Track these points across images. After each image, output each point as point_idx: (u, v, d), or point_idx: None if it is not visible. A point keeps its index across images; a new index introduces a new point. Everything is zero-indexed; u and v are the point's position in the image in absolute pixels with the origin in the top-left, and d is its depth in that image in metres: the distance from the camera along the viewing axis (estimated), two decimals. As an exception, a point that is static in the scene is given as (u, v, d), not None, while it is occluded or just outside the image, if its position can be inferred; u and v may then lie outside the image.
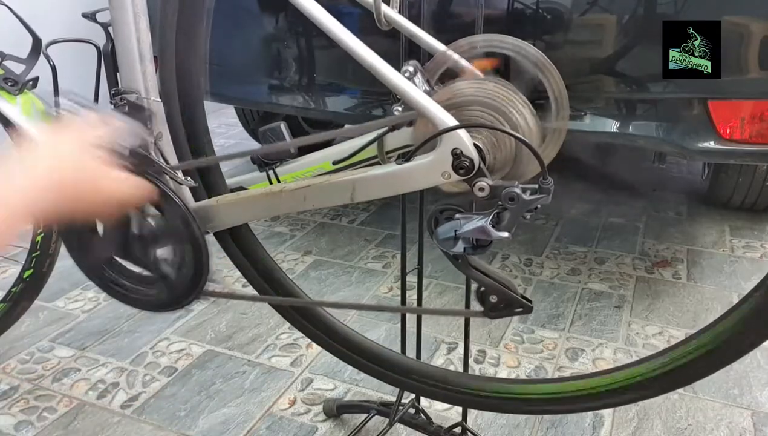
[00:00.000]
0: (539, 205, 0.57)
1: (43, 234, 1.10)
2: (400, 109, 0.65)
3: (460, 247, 0.61)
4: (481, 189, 0.58)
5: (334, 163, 0.75)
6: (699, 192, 2.07)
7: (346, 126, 1.69)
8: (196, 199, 0.72)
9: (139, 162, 0.63)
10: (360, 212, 1.95)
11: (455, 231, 0.61)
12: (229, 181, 0.77)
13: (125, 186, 0.55)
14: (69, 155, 0.52)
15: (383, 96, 1.42)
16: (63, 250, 0.80)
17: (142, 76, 0.68)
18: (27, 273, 1.13)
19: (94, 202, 0.52)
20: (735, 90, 1.21)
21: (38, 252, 1.11)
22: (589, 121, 1.29)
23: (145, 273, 0.75)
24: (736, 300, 1.44)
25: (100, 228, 0.74)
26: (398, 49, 0.78)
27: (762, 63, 1.16)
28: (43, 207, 0.49)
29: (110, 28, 0.68)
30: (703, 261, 1.64)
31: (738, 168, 1.78)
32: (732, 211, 1.92)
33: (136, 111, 0.66)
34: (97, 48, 0.69)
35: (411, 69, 0.65)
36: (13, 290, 1.14)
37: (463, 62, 0.68)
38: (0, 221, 0.45)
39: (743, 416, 1.09)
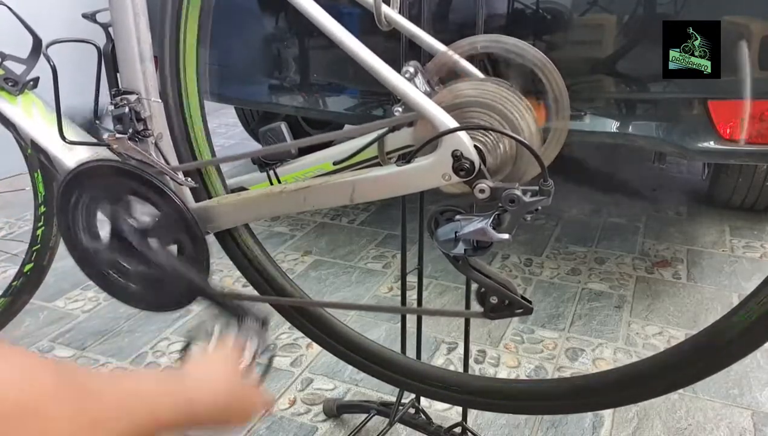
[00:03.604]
0: (540, 207, 0.57)
1: (43, 228, 1.10)
2: (400, 109, 0.65)
3: (460, 248, 0.61)
4: (482, 191, 0.58)
5: (335, 163, 0.75)
6: (699, 192, 2.07)
7: (346, 126, 1.69)
8: (197, 200, 0.72)
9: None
10: (360, 212, 1.95)
11: (455, 232, 0.61)
12: (230, 182, 0.77)
13: (254, 399, 0.60)
14: (213, 376, 0.57)
15: (383, 96, 1.42)
16: (63, 248, 0.80)
17: (143, 76, 0.68)
18: (27, 267, 1.13)
19: (232, 415, 0.56)
20: (735, 90, 1.21)
21: (38, 245, 1.11)
22: (589, 121, 1.29)
23: (147, 273, 0.75)
24: (736, 301, 1.44)
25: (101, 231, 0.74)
26: (398, 49, 0.78)
27: (762, 63, 1.16)
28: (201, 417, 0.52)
29: (110, 29, 0.68)
30: (703, 261, 1.64)
31: (738, 168, 1.78)
32: (732, 211, 1.92)
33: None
34: (98, 48, 0.69)
35: (411, 70, 0.65)
36: (14, 284, 1.15)
37: (464, 62, 0.68)
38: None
39: (743, 416, 1.09)
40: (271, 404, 0.64)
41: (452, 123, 0.58)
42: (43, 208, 1.08)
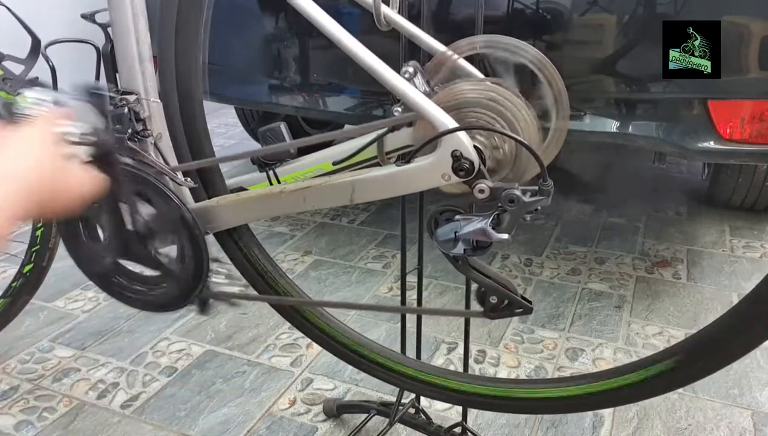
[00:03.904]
0: (539, 207, 0.57)
1: (42, 228, 1.10)
2: (399, 109, 0.65)
3: (459, 248, 0.61)
4: (481, 191, 0.58)
5: (334, 163, 0.75)
6: (699, 192, 2.07)
7: (346, 126, 1.69)
8: (196, 200, 0.72)
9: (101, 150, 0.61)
10: (360, 212, 1.95)
11: (455, 232, 0.61)
12: (229, 182, 0.77)
13: (81, 179, 0.52)
14: (23, 154, 0.48)
15: (383, 96, 1.42)
16: (62, 248, 0.80)
17: (142, 76, 0.68)
18: (27, 268, 1.13)
19: (54, 199, 0.50)
20: (735, 90, 1.21)
21: (38, 246, 1.11)
22: (589, 121, 1.29)
23: (147, 274, 0.75)
24: (736, 300, 1.44)
25: (101, 230, 0.74)
26: (398, 49, 0.78)
27: (762, 63, 1.16)
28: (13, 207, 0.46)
29: (109, 29, 0.68)
30: (703, 261, 1.64)
31: (738, 168, 1.78)
32: (732, 211, 1.92)
33: (95, 98, 0.65)
34: (97, 48, 0.69)
35: (411, 70, 0.65)
36: (13, 284, 1.15)
37: (464, 62, 0.68)
38: None
39: (743, 416, 1.09)
40: (101, 182, 0.55)
41: (452, 123, 0.58)
42: None
